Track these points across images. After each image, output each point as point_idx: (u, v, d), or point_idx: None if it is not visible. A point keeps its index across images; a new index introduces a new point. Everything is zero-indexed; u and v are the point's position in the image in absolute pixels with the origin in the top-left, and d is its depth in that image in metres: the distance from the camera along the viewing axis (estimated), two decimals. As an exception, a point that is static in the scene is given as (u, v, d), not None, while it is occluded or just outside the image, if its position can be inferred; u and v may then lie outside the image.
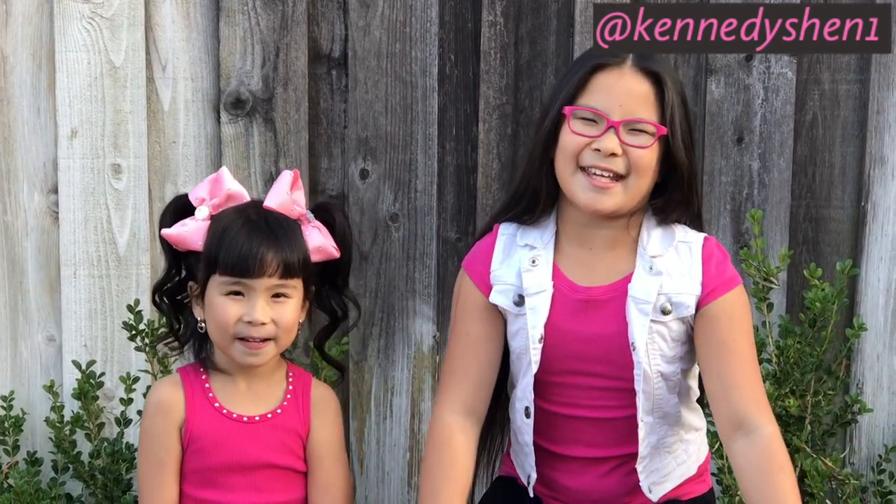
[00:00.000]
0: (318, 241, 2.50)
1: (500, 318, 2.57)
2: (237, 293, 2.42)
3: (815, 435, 3.17)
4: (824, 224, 3.45)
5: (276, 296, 2.44)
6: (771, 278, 3.15)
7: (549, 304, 2.49)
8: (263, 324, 2.42)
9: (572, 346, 2.50)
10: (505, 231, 2.60)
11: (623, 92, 2.43)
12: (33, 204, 3.31)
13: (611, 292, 2.50)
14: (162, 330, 3.10)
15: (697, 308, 2.48)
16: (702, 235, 2.54)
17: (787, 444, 3.10)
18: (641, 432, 2.50)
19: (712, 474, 2.80)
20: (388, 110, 3.35)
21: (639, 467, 2.53)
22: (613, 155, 2.42)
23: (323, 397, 2.56)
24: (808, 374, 3.13)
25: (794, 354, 3.14)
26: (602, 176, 2.43)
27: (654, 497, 2.55)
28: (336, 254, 2.53)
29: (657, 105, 2.44)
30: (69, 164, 3.28)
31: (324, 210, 2.56)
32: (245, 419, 2.46)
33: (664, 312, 2.47)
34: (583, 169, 2.45)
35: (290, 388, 2.54)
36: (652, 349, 2.48)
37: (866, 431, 3.47)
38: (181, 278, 2.56)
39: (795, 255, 3.36)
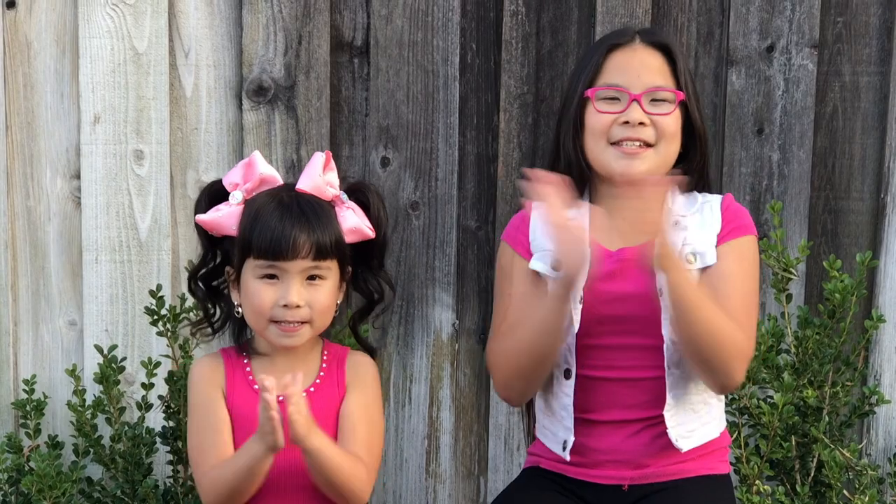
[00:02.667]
0: (353, 221, 2.49)
1: (542, 283, 2.63)
2: (272, 276, 2.43)
3: (832, 426, 3.17)
4: (844, 216, 3.45)
5: (312, 278, 2.44)
6: (790, 269, 3.15)
7: (587, 268, 2.52)
8: (298, 307, 2.42)
9: (607, 308, 2.58)
10: (538, 207, 2.64)
11: (638, 66, 2.61)
12: (56, 189, 3.33)
13: (640, 252, 2.56)
14: (187, 316, 3.12)
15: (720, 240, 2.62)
16: (721, 195, 2.70)
17: (804, 435, 3.12)
18: (668, 382, 2.58)
19: (730, 464, 2.81)
20: (410, 99, 3.36)
21: (666, 414, 2.58)
22: (641, 125, 2.57)
23: (358, 363, 2.56)
24: (827, 366, 3.14)
25: (812, 345, 3.14)
26: (633, 144, 2.58)
27: (683, 447, 2.61)
28: (371, 234, 2.53)
29: (671, 74, 2.63)
30: (92, 150, 3.30)
31: (358, 191, 2.56)
32: (280, 398, 2.46)
33: (688, 262, 2.59)
34: (613, 144, 2.59)
35: (325, 364, 2.54)
36: None
37: (884, 422, 3.48)
38: (217, 264, 2.56)
39: (815, 246, 3.37)
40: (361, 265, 2.57)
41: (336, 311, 2.53)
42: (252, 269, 2.44)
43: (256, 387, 2.48)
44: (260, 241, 2.41)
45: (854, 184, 3.43)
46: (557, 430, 2.66)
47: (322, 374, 2.53)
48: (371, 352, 2.68)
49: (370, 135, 3.37)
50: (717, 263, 2.60)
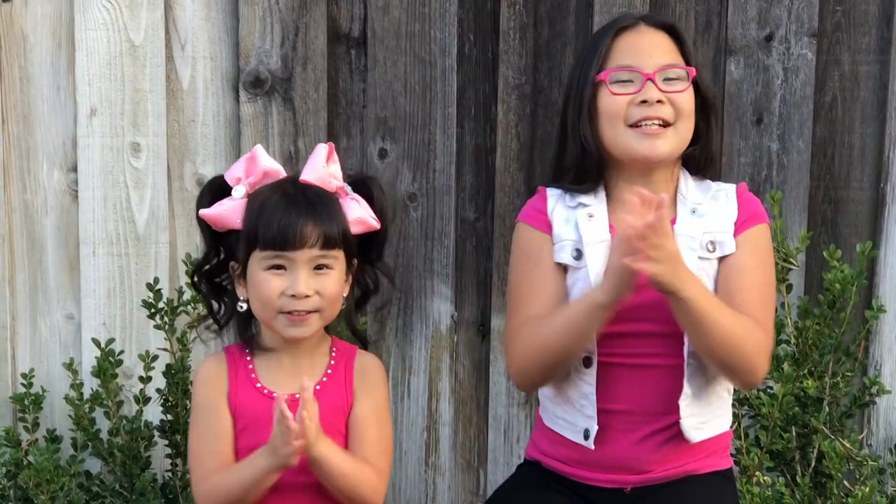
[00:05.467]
0: (358, 212, 2.47)
1: (562, 274, 2.63)
2: (279, 267, 2.41)
3: (832, 416, 3.17)
4: (843, 205, 3.44)
5: (319, 268, 2.42)
6: (790, 259, 3.15)
7: (607, 254, 2.53)
8: (307, 296, 2.40)
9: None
10: (553, 192, 2.70)
11: (648, 46, 2.61)
12: (53, 182, 3.32)
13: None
14: (185, 309, 3.12)
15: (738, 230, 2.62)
16: (734, 184, 2.70)
17: (805, 426, 3.11)
18: (687, 371, 2.56)
19: (730, 455, 2.80)
20: (407, 90, 3.35)
21: (682, 404, 2.56)
22: (659, 102, 2.56)
23: (367, 366, 2.53)
24: (827, 356, 3.13)
25: (812, 336, 3.14)
26: (653, 124, 2.56)
27: (694, 438, 2.59)
28: (377, 225, 2.51)
29: (679, 52, 2.63)
30: (88, 143, 3.29)
31: (361, 183, 2.54)
32: (286, 397, 2.44)
33: (709, 251, 2.59)
34: (631, 126, 2.58)
35: (333, 362, 2.51)
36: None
37: (884, 413, 3.47)
38: (220, 260, 2.54)
39: (814, 236, 3.35)
40: (360, 257, 2.56)
41: (343, 304, 2.51)
42: (258, 261, 2.42)
43: (259, 385, 2.47)
44: (266, 232, 2.39)
45: (854, 173, 3.42)
46: (576, 420, 2.64)
47: (329, 371, 2.50)
48: (362, 341, 2.65)
49: (368, 126, 3.36)
50: (735, 255, 2.59)
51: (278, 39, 3.30)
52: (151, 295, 3.14)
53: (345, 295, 2.51)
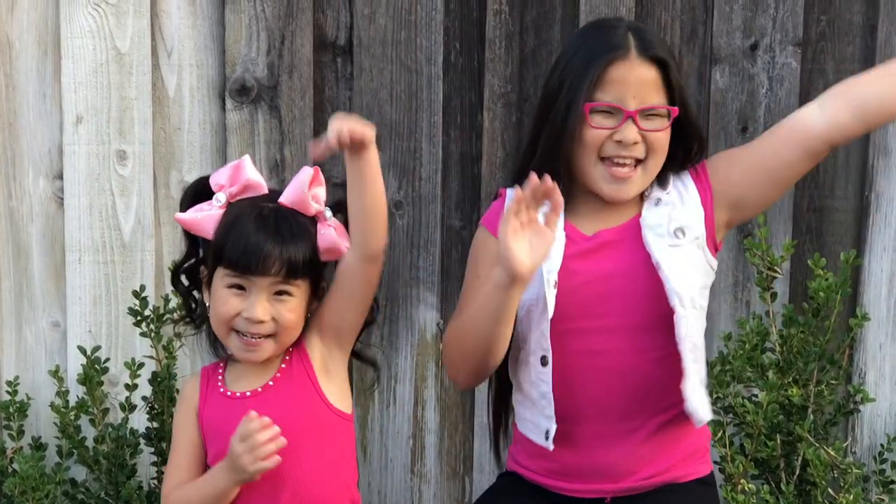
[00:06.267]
0: (330, 241, 2.45)
1: None
2: (240, 287, 2.41)
3: (817, 424, 3.17)
4: (828, 214, 3.45)
5: (280, 293, 2.42)
6: (775, 268, 3.16)
7: (562, 252, 2.57)
8: (262, 321, 2.41)
9: (589, 289, 2.58)
10: (513, 193, 2.64)
11: (634, 83, 2.57)
12: (38, 190, 3.32)
13: (622, 232, 2.62)
14: (171, 316, 3.12)
15: (712, 200, 2.64)
16: (684, 171, 2.70)
17: (789, 434, 3.12)
18: (683, 350, 2.54)
19: (715, 462, 2.81)
20: (393, 98, 3.35)
21: (686, 387, 2.54)
22: (634, 143, 2.57)
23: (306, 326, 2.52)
24: (811, 364, 3.14)
25: (797, 344, 3.14)
26: (623, 165, 2.58)
27: (705, 417, 2.58)
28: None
29: (665, 89, 2.60)
30: (74, 150, 3.28)
31: (343, 208, 2.48)
32: (248, 394, 2.46)
33: (678, 237, 2.60)
34: (602, 159, 2.59)
35: (290, 346, 2.50)
36: (678, 270, 2.55)
37: (868, 421, 3.48)
38: (199, 260, 2.55)
39: (799, 244, 3.36)
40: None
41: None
42: (221, 277, 2.42)
43: (223, 390, 2.50)
44: (231, 252, 2.39)
45: (838, 182, 3.44)
46: (539, 420, 2.63)
47: (285, 361, 2.50)
48: (373, 365, 2.70)
49: (354, 134, 3.35)
50: (729, 169, 2.65)
51: (264, 47, 3.30)
52: (137, 302, 3.14)
53: (309, 315, 2.50)
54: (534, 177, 2.40)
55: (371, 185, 2.38)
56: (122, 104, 3.28)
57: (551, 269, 2.55)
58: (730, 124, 3.38)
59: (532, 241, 2.42)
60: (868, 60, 3.36)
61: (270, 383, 2.48)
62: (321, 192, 2.49)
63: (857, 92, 2.60)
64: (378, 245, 2.42)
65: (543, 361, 2.59)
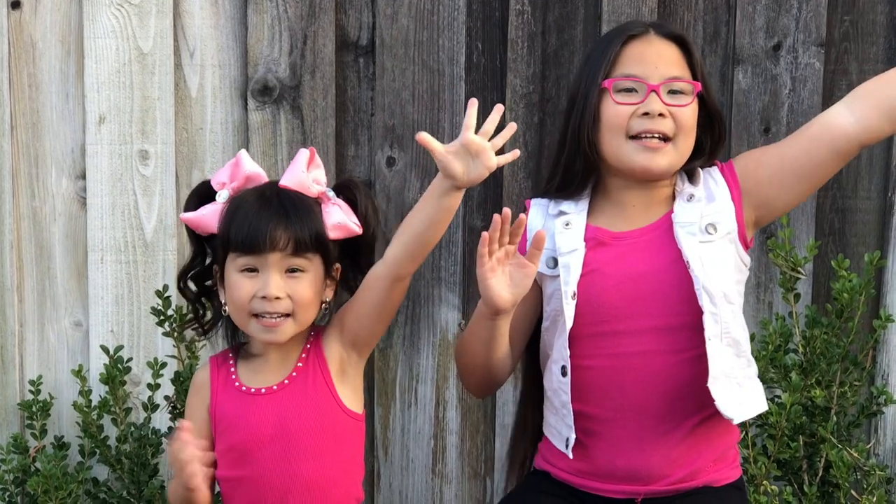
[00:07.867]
0: (338, 218, 2.48)
1: (535, 283, 2.60)
2: (252, 270, 2.43)
3: (840, 426, 3.16)
4: (851, 215, 3.44)
5: (292, 271, 2.44)
6: (798, 269, 3.15)
7: (581, 263, 2.57)
8: (278, 298, 2.41)
9: (621, 290, 2.56)
10: (537, 203, 2.71)
11: (655, 57, 2.59)
12: (61, 189, 3.33)
13: (652, 231, 2.60)
14: (189, 316, 3.13)
15: (741, 198, 2.62)
16: (713, 167, 2.69)
17: (812, 435, 3.11)
18: (710, 349, 2.50)
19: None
20: (416, 98, 3.35)
21: (712, 387, 2.50)
22: (661, 116, 2.55)
23: (328, 326, 2.55)
24: (835, 365, 3.13)
25: (820, 345, 3.13)
26: (653, 138, 2.55)
27: (736, 418, 2.54)
28: (358, 230, 2.50)
29: (687, 65, 2.61)
30: (97, 150, 3.29)
31: (346, 188, 2.55)
32: (263, 391, 2.48)
33: (709, 233, 2.57)
34: (631, 138, 2.57)
35: (304, 355, 2.52)
36: (709, 267, 2.53)
37: (892, 422, 3.47)
38: (207, 264, 2.56)
39: (822, 245, 3.35)
40: (349, 262, 2.56)
41: (325, 308, 2.52)
42: (233, 263, 2.45)
43: (238, 384, 2.51)
44: (238, 235, 2.42)
45: (861, 183, 3.42)
46: (561, 428, 2.64)
47: (302, 359, 2.51)
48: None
49: (376, 134, 3.36)
50: (758, 168, 2.63)
51: (287, 47, 3.30)
52: (160, 302, 3.15)
53: (328, 300, 2.52)
54: (496, 216, 2.43)
55: (446, 220, 2.42)
56: (144, 104, 3.29)
57: (569, 282, 2.55)
58: (752, 125, 3.37)
59: (513, 274, 2.47)
60: (892, 61, 3.35)
61: (286, 381, 2.49)
62: (320, 174, 2.52)
63: (886, 92, 2.58)
64: (412, 269, 2.46)
65: (563, 372, 2.59)
